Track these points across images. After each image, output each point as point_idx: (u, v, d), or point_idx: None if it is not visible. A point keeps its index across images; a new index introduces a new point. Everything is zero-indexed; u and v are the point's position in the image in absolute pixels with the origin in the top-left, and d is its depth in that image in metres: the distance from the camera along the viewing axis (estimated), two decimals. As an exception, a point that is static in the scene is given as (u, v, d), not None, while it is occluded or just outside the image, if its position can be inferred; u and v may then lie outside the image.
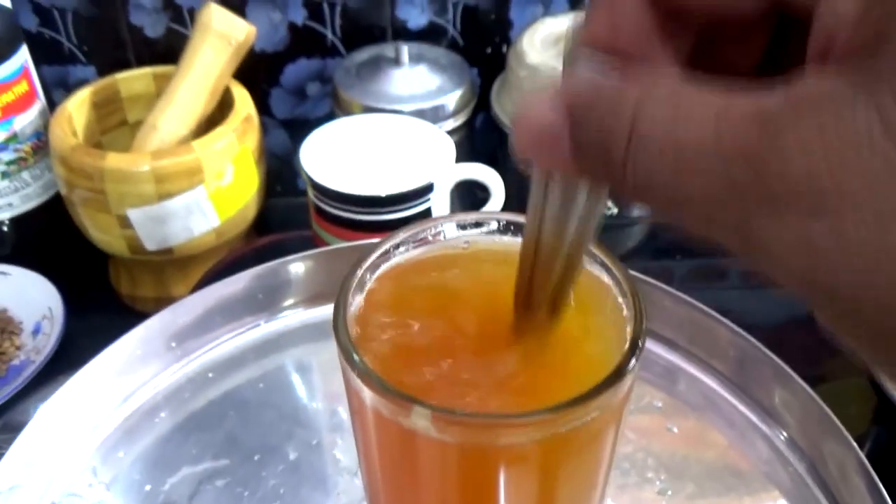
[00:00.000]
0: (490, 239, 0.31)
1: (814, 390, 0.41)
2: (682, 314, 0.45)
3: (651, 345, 0.45)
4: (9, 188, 0.64)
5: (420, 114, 0.62)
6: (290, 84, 0.71)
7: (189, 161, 0.58)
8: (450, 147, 0.54)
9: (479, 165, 0.55)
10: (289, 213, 0.73)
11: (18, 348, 0.58)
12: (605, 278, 0.29)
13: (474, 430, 0.24)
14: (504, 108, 0.65)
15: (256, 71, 0.68)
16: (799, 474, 0.40)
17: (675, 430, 0.42)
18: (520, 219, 0.30)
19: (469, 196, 0.59)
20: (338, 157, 0.55)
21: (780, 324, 0.65)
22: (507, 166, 0.64)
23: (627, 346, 0.26)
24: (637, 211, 0.67)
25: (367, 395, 0.24)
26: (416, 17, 0.68)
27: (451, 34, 0.69)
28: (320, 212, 0.54)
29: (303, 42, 0.69)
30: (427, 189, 0.52)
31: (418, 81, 0.64)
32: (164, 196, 0.58)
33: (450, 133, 0.65)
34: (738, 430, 0.42)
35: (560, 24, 0.65)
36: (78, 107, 0.63)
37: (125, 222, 0.59)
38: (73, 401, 0.42)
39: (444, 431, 0.23)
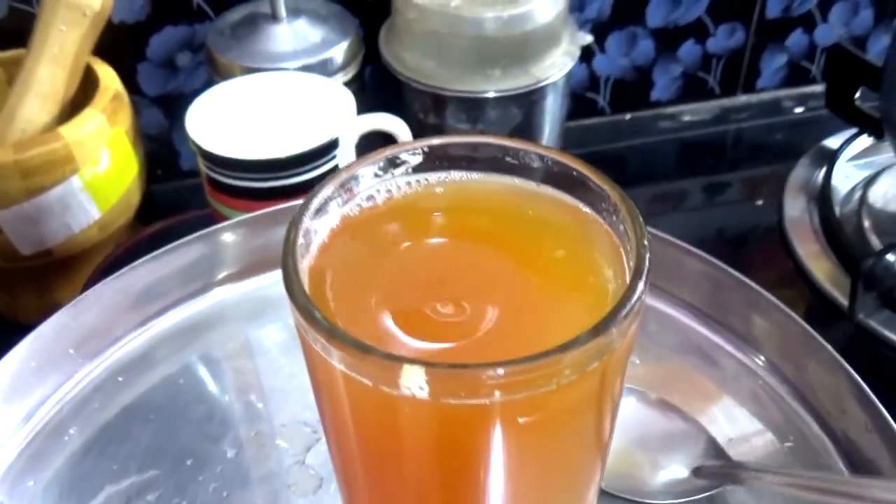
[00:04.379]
0: (437, 176, 0.27)
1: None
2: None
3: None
4: None
5: (307, 69, 0.57)
6: (158, 56, 0.64)
7: (57, 150, 0.52)
8: (349, 98, 0.50)
9: (383, 115, 0.51)
10: (175, 197, 0.67)
11: None
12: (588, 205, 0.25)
13: (474, 385, 0.20)
14: (395, 54, 0.61)
15: (118, 45, 0.62)
16: (784, 400, 0.39)
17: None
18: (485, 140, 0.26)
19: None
20: (228, 122, 0.49)
21: (697, 245, 0.65)
22: (406, 115, 0.60)
23: (631, 273, 0.22)
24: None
25: (337, 361, 0.20)
26: (289, -31, 0.63)
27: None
28: (216, 185, 0.49)
29: (166, 8, 0.62)
30: (332, 146, 0.48)
31: (300, 36, 0.59)
32: (33, 192, 0.52)
33: (349, 84, 0.60)
34: (718, 367, 0.40)
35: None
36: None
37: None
38: (-38, 431, 0.36)
39: (439, 393, 0.20)
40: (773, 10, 0.73)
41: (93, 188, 0.54)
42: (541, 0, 0.59)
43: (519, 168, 0.27)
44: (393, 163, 0.27)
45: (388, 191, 0.26)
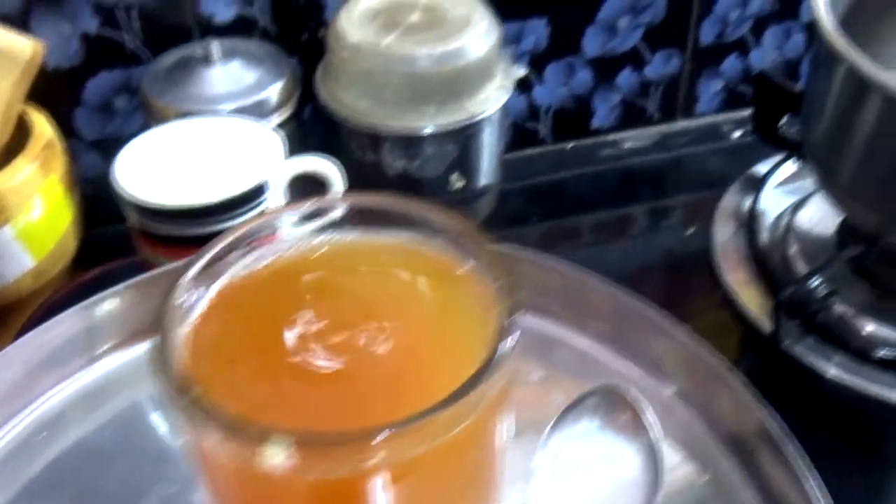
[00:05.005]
0: (332, 235, 0.28)
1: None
2: (551, 278, 0.43)
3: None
4: None
5: (242, 111, 0.58)
6: (95, 101, 0.65)
7: (-13, 200, 0.52)
8: (277, 141, 0.50)
9: (313, 157, 0.51)
10: (116, 241, 0.67)
11: None
12: (461, 255, 0.26)
13: (347, 454, 0.20)
14: (331, 94, 0.61)
15: (53, 91, 0.62)
16: (699, 433, 0.39)
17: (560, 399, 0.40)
18: (373, 201, 0.27)
19: (307, 192, 0.55)
20: (156, 169, 0.50)
21: (636, 272, 0.66)
22: (343, 155, 0.61)
23: (497, 327, 0.23)
24: (484, 180, 0.65)
25: (207, 436, 0.21)
26: (223, 11, 0.63)
27: (263, 24, 0.65)
28: (146, 233, 0.49)
29: (101, 53, 0.63)
30: (259, 190, 0.48)
31: (234, 78, 0.60)
32: (-36, 243, 0.52)
33: (278, 128, 0.61)
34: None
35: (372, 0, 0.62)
36: None
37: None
38: None
39: (306, 467, 0.20)
40: (707, 36, 0.74)
41: (26, 237, 0.54)
42: (473, 36, 0.60)
43: (401, 227, 0.27)
44: (274, 225, 0.27)
45: (272, 253, 0.27)
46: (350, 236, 0.27)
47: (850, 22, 0.45)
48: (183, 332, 0.24)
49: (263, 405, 0.22)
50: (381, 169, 0.62)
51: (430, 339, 0.24)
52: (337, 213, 0.28)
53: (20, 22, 0.59)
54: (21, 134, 0.57)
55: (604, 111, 0.76)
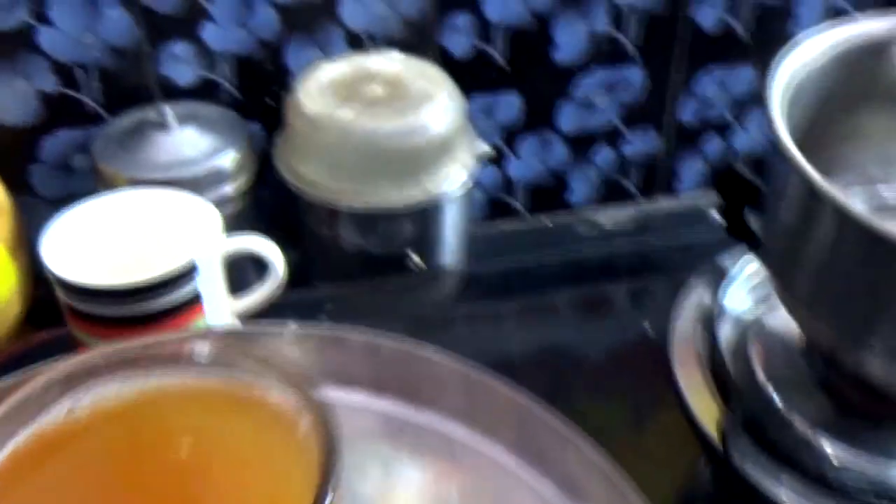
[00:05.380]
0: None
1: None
2: (458, 380, 0.41)
3: (430, 419, 0.41)
4: None
5: (195, 181, 0.56)
6: (53, 159, 0.63)
7: (-80, 264, 0.50)
8: (214, 218, 0.48)
9: (249, 237, 0.49)
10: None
11: None
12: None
13: None
14: (289, 165, 0.59)
15: (7, 148, 0.61)
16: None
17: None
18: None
19: (251, 272, 0.53)
20: (85, 244, 0.48)
21: (615, 349, 0.63)
22: (301, 228, 0.59)
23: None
24: (445, 259, 0.63)
25: None
26: (184, 74, 0.62)
27: (226, 88, 0.63)
28: (74, 310, 0.47)
29: (59, 111, 0.61)
30: (189, 271, 0.46)
31: (189, 144, 0.58)
32: None
33: (231, 199, 0.59)
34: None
35: (337, 70, 0.60)
36: None
37: None
38: None
39: None
40: (686, 115, 0.72)
41: (-39, 302, 0.52)
42: (434, 111, 0.58)
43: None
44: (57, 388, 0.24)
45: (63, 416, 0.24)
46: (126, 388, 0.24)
47: (805, 129, 0.43)
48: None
49: None
50: (338, 243, 0.60)
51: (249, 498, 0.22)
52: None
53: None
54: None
55: (581, 187, 0.74)
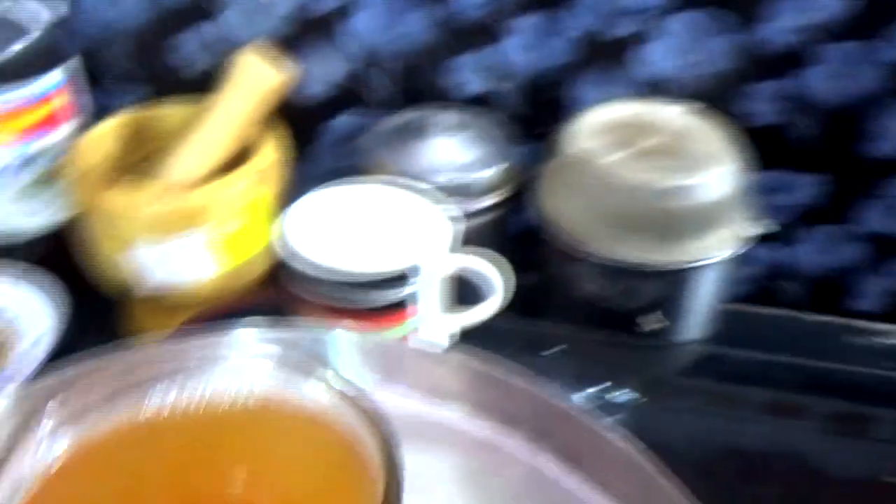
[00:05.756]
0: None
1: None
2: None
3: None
4: (38, 201, 0.63)
5: (450, 189, 0.56)
6: (337, 137, 0.66)
7: (191, 204, 0.54)
8: (450, 228, 0.48)
9: (473, 257, 0.48)
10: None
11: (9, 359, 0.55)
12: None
13: None
14: (546, 196, 0.57)
15: (302, 119, 0.64)
16: None
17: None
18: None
19: (468, 291, 0.51)
20: (322, 225, 0.49)
21: (865, 477, 0.55)
22: (542, 263, 0.57)
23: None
24: (688, 331, 0.58)
25: None
26: (473, 83, 0.62)
27: (508, 105, 0.63)
28: (304, 295, 0.49)
29: (350, 96, 0.64)
30: (408, 274, 0.46)
31: (455, 152, 0.58)
32: (161, 236, 0.55)
33: (481, 213, 0.58)
34: None
35: (620, 112, 0.57)
36: (107, 134, 0.61)
37: (122, 259, 0.56)
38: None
39: None
40: None
41: (216, 247, 0.56)
42: (711, 176, 0.53)
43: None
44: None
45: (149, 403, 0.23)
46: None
47: None
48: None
49: None
50: (576, 286, 0.57)
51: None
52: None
53: (289, 49, 0.62)
54: (249, 153, 0.59)
55: (871, 294, 0.65)
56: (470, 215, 0.57)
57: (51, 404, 0.21)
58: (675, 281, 0.55)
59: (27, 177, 0.63)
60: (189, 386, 0.23)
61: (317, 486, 0.22)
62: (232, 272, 0.58)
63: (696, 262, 0.54)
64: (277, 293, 0.52)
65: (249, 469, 0.22)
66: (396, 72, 0.62)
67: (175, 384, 0.23)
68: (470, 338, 0.52)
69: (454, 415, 0.41)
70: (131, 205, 0.54)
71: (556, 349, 0.57)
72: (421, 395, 0.42)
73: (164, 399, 0.23)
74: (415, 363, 0.41)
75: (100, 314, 0.61)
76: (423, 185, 0.53)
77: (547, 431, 0.41)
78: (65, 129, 0.63)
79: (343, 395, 0.22)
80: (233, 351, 0.23)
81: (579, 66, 0.61)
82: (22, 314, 0.58)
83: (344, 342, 0.41)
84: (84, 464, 0.22)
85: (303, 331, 0.41)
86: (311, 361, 0.23)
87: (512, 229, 0.61)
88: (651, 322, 0.57)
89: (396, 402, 0.42)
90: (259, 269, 0.60)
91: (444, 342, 0.51)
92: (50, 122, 0.62)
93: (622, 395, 0.55)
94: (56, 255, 0.64)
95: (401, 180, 0.53)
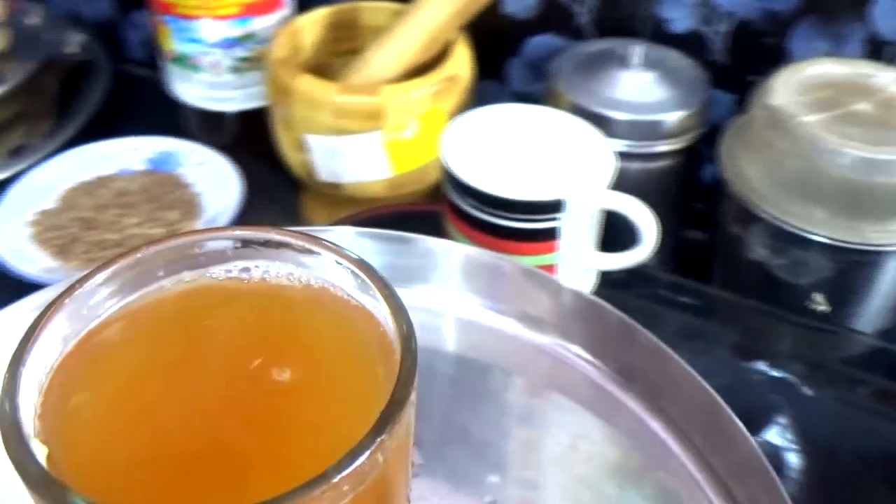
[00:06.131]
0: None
1: None
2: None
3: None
4: (236, 84, 0.67)
5: (630, 126, 0.54)
6: (531, 57, 0.65)
7: (373, 104, 0.56)
8: (609, 166, 0.46)
9: (626, 197, 0.46)
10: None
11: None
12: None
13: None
14: (729, 150, 0.54)
15: (500, 35, 0.64)
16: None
17: None
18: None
19: (624, 234, 0.50)
20: (482, 145, 0.49)
21: None
22: (712, 220, 0.54)
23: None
24: (857, 320, 0.53)
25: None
26: (680, 20, 0.59)
27: (714, 48, 0.59)
28: (453, 207, 0.49)
29: (553, 17, 0.63)
30: (552, 206, 0.45)
31: (642, 90, 0.56)
32: (340, 131, 0.57)
33: (657, 157, 0.56)
34: None
35: (832, 71, 0.52)
36: (311, 24, 0.63)
37: (304, 146, 0.58)
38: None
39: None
40: None
41: (392, 150, 0.58)
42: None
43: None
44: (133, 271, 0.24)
45: (161, 289, 0.24)
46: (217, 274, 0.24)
47: None
48: (45, 368, 0.22)
49: (126, 485, 0.20)
50: (740, 247, 0.54)
51: (324, 389, 0.21)
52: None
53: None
54: (440, 63, 0.59)
55: None
56: (646, 157, 0.55)
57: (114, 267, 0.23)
58: (854, 262, 0.51)
59: (240, 53, 0.66)
60: (258, 266, 0.25)
61: (350, 363, 0.23)
62: (402, 177, 0.59)
63: (881, 246, 0.50)
64: (439, 204, 0.52)
65: (290, 341, 0.24)
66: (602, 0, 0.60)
67: (242, 263, 0.25)
68: (615, 283, 0.51)
69: (565, 353, 0.41)
70: (318, 94, 0.56)
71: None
72: (530, 324, 0.42)
73: (225, 274, 0.25)
74: (530, 291, 0.41)
75: (279, 199, 0.65)
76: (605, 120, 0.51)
77: (662, 394, 0.39)
78: (280, 14, 0.66)
79: (378, 290, 0.23)
80: (325, 246, 0.24)
81: (797, 15, 0.56)
82: (206, 191, 0.62)
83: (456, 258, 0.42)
84: (137, 325, 0.24)
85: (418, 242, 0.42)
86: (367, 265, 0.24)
87: (688, 181, 0.58)
88: (818, 302, 0.53)
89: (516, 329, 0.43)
90: (429, 178, 0.61)
91: (586, 282, 0.50)
92: (271, 2, 0.65)
93: (779, 374, 0.52)
94: (249, 138, 0.68)
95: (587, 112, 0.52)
